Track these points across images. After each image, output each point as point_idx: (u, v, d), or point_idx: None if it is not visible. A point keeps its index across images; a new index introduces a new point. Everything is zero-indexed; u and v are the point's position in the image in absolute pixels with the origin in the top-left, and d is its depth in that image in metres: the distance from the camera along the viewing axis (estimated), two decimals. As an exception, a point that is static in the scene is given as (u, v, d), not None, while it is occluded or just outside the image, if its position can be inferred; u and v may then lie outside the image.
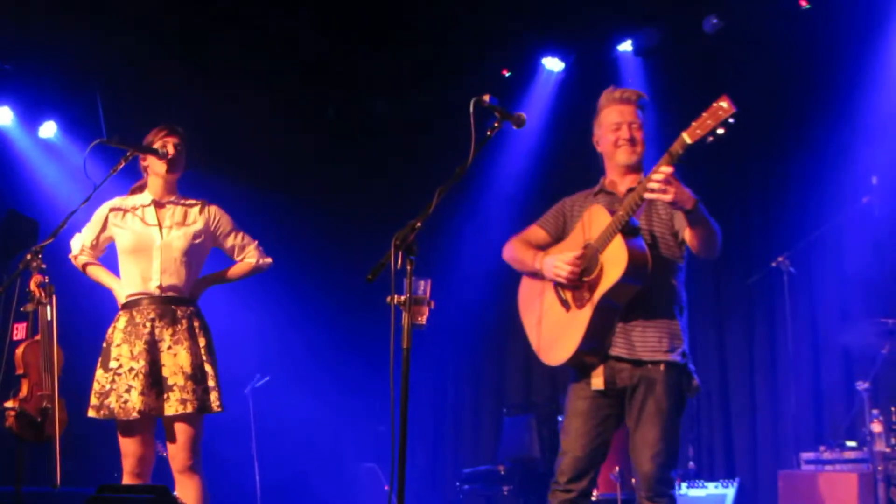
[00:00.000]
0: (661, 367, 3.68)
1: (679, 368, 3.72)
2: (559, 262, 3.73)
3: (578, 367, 3.78)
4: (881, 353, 5.66)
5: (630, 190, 3.77)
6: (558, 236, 3.96)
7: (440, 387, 8.89)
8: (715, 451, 7.30)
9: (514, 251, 3.96)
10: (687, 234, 3.69)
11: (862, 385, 5.56)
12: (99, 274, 4.50)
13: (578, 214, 3.90)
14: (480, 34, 7.81)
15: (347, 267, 8.53)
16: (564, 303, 3.78)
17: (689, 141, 3.42)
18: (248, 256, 4.56)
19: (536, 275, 3.88)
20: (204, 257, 4.50)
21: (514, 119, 3.55)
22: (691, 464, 6.71)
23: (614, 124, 3.85)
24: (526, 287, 3.98)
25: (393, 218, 3.47)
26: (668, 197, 3.43)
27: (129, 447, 4.29)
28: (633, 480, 3.71)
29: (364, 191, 8.96)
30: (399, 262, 3.17)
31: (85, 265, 4.52)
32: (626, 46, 7.73)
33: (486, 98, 3.42)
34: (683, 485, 6.35)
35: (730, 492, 6.15)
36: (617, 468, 5.89)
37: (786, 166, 7.22)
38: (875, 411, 5.50)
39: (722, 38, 7.26)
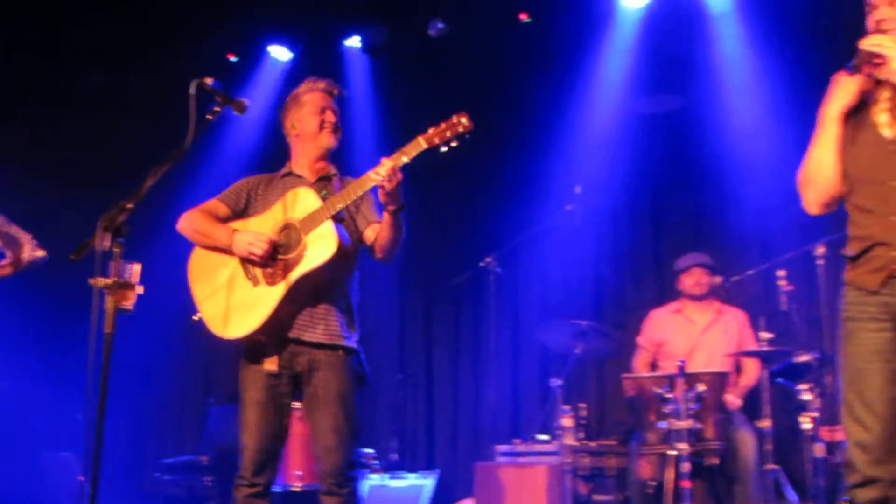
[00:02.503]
0: (341, 352, 3.75)
1: (356, 354, 3.81)
2: (254, 240, 3.72)
3: (253, 345, 3.76)
4: (574, 353, 6.01)
5: (322, 178, 3.93)
6: (238, 212, 3.95)
7: (146, 375, 8.59)
8: (418, 443, 7.51)
9: (197, 223, 3.89)
10: (375, 233, 3.80)
11: (556, 382, 5.88)
12: None
13: (264, 194, 3.96)
14: (207, 16, 7.60)
15: (52, 246, 8.06)
16: (253, 278, 3.77)
17: (424, 146, 3.55)
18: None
19: (217, 247, 3.85)
20: None
21: (236, 104, 3.52)
22: (394, 455, 6.86)
23: (320, 108, 3.96)
24: (200, 258, 3.92)
25: (110, 196, 3.35)
26: (389, 186, 3.52)
27: None
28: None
29: (78, 167, 8.48)
30: (106, 243, 3.05)
31: None
32: (353, 42, 7.78)
33: (209, 81, 3.37)
34: (385, 476, 6.47)
35: (429, 482, 6.33)
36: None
37: (500, 171, 7.51)
38: (566, 407, 5.83)
39: (447, 43, 7.46)
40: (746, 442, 5.44)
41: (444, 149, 3.56)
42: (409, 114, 7.41)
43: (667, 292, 6.68)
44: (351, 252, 3.78)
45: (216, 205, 3.96)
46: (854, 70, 3.17)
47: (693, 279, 6.14)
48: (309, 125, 3.97)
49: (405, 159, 3.54)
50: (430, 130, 3.57)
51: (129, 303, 3.18)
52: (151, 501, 7.40)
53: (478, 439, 7.16)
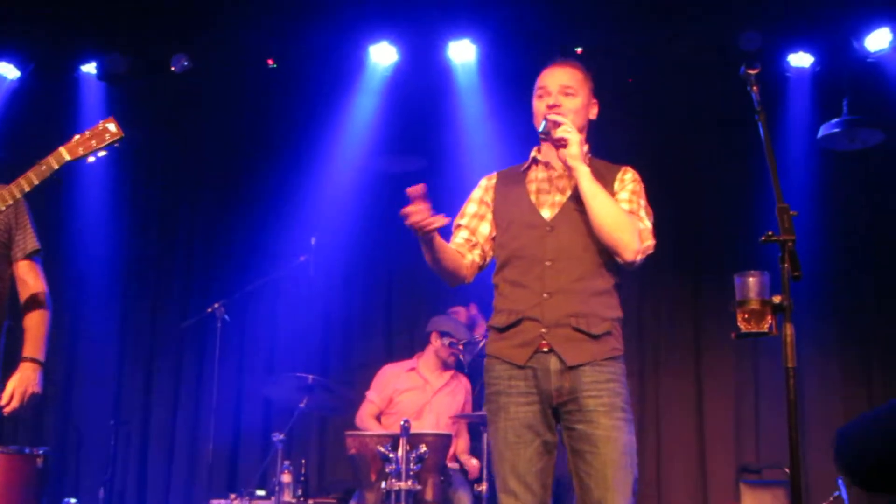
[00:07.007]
0: None
1: None
2: None
3: None
4: (299, 407, 5.90)
5: None
6: None
7: None
8: (127, 494, 7.12)
9: None
10: None
11: (278, 436, 5.74)
12: None
13: None
14: None
15: None
16: None
17: (67, 157, 3.40)
18: None
19: None
20: None
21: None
22: (100, 507, 6.49)
23: None
24: None
25: None
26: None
27: None
28: None
29: None
30: None
31: None
32: (90, 68, 7.40)
33: None
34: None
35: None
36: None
37: (236, 215, 7.35)
38: (287, 462, 5.71)
39: (191, 79, 7.23)
40: (462, 503, 5.52)
41: (89, 159, 3.42)
42: (147, 147, 7.13)
43: (395, 351, 6.72)
44: None
45: None
46: (546, 136, 3.29)
47: (442, 342, 6.15)
48: None
49: (45, 176, 3.38)
50: (76, 139, 3.41)
51: None
52: None
53: (193, 492, 6.88)
